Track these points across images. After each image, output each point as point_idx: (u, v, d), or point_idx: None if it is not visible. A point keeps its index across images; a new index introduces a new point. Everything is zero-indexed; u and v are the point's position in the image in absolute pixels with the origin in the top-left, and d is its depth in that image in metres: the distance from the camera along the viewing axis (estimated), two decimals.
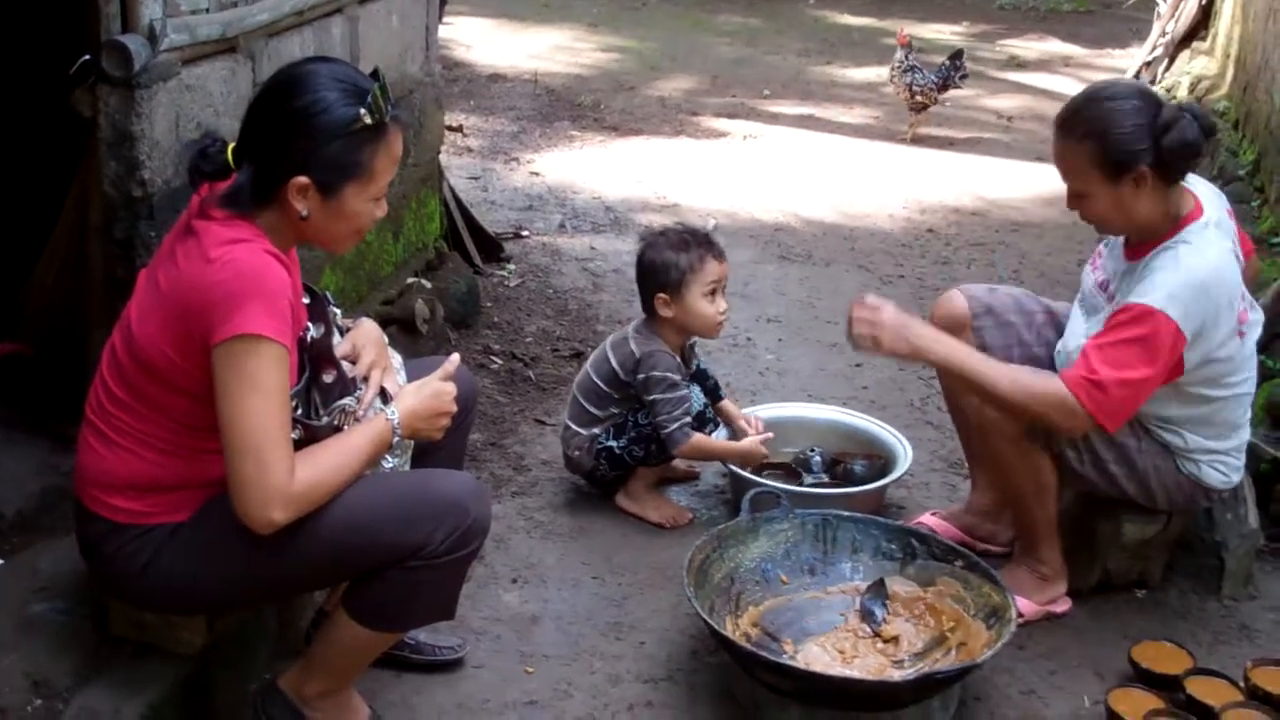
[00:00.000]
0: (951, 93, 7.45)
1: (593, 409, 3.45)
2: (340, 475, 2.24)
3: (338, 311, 2.48)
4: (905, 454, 3.54)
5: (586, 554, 3.32)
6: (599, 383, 3.45)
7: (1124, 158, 2.71)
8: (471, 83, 8.20)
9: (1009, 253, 5.75)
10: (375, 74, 2.27)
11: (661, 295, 3.37)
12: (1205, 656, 2.92)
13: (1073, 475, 2.97)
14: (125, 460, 2.24)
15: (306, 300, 2.33)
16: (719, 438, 3.54)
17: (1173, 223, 2.79)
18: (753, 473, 3.46)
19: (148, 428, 2.22)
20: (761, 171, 6.75)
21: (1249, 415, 2.98)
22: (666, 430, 3.35)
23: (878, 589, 2.93)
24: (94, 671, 2.41)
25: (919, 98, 7.25)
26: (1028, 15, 11.58)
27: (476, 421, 3.54)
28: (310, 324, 2.31)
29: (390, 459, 2.41)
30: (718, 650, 2.85)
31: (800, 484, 3.50)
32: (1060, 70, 9.43)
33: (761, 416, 3.63)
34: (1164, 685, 2.76)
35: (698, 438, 3.40)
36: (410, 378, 2.51)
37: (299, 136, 2.18)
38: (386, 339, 2.55)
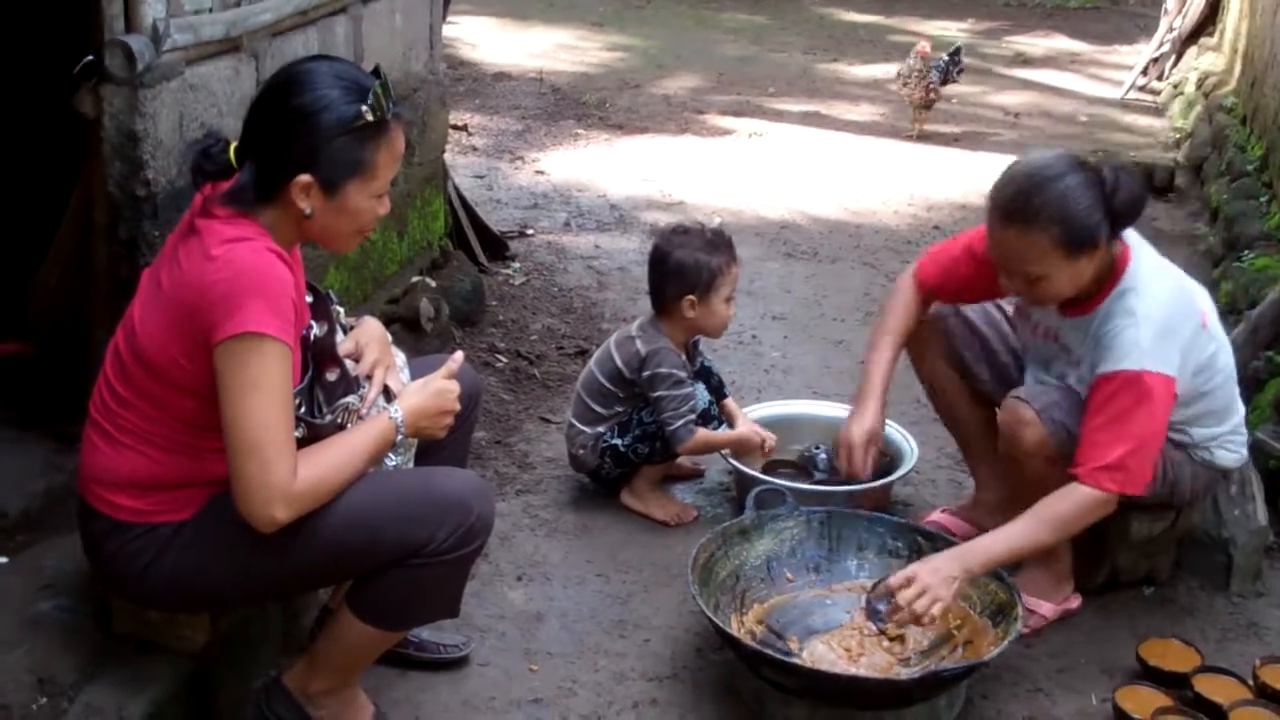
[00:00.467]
0: (950, 88, 7.46)
1: (597, 407, 3.45)
2: (343, 473, 2.23)
3: (341, 310, 2.47)
4: (911, 451, 3.54)
5: (591, 552, 3.31)
6: (603, 381, 3.44)
7: (1086, 234, 2.68)
8: (476, 81, 8.20)
9: None
10: (376, 71, 2.27)
11: (690, 297, 3.35)
12: (1213, 654, 2.91)
13: None
14: (128, 458, 2.23)
15: (310, 299, 2.33)
16: None
17: (1110, 270, 2.79)
18: (758, 470, 3.45)
19: (151, 426, 2.22)
20: (767, 169, 6.74)
21: (1238, 389, 2.99)
22: (671, 428, 3.34)
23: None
24: (98, 669, 2.41)
25: (931, 95, 7.27)
26: (1034, 11, 11.56)
27: (481, 419, 3.54)
28: (313, 322, 2.31)
29: (393, 457, 2.41)
30: (723, 648, 2.85)
31: (806, 481, 3.49)
32: (1067, 67, 9.38)
33: (767, 414, 3.62)
34: (1172, 683, 2.75)
35: (701, 433, 3.39)
36: (414, 376, 2.50)
37: (301, 134, 2.18)
38: (390, 337, 2.55)
